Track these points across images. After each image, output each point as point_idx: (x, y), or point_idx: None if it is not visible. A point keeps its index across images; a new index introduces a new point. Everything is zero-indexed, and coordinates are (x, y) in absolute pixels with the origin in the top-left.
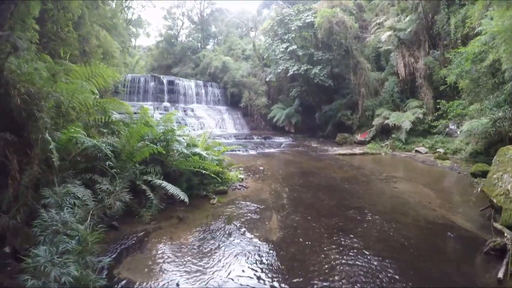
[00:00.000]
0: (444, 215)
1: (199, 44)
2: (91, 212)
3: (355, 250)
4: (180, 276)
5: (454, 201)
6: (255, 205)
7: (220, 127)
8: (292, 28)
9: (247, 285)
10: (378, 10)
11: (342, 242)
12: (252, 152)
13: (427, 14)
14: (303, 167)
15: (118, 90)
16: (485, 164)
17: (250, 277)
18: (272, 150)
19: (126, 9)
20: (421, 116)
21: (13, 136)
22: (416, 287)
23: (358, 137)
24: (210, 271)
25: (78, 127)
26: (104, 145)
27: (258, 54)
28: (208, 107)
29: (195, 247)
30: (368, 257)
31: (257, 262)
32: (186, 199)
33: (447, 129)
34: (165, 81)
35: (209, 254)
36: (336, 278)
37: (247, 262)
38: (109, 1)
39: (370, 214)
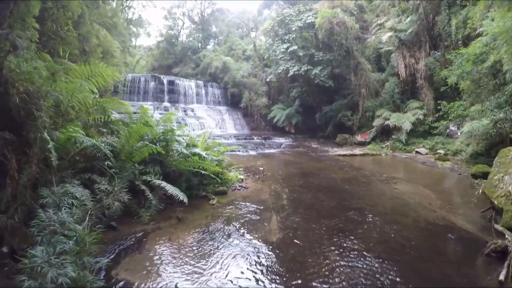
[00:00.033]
0: (444, 217)
1: (199, 44)
2: (89, 212)
3: (355, 252)
4: (179, 277)
5: (455, 203)
6: (255, 206)
7: (220, 128)
8: (293, 29)
9: (246, 287)
10: (379, 11)
11: (342, 244)
12: (252, 152)
13: (428, 15)
14: (303, 167)
15: (118, 89)
16: (486, 165)
17: (249, 279)
18: (272, 150)
19: (126, 8)
20: (421, 117)
21: (12, 135)
22: None
23: (358, 138)
24: (209, 273)
25: (77, 126)
26: (103, 144)
27: (259, 54)
28: (208, 107)
29: (194, 248)
30: (369, 258)
31: (256, 263)
32: (185, 200)
33: (447, 130)
34: (165, 81)
35: (208, 255)
36: (336, 280)
37: (246, 264)
38: (110, 1)
39: (370, 215)
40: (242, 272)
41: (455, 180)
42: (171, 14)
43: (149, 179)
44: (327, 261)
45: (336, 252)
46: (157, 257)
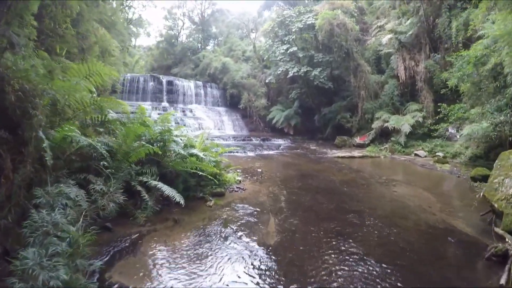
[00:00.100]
0: (444, 219)
1: (199, 45)
2: (84, 213)
3: (354, 256)
4: (174, 281)
5: (454, 205)
6: (253, 208)
7: (219, 128)
8: (293, 30)
9: None
10: (379, 13)
11: (341, 247)
12: (251, 154)
13: (428, 18)
14: (302, 169)
15: (115, 88)
16: (485, 168)
17: (246, 283)
18: (270, 152)
19: (127, 8)
20: (420, 119)
21: (8, 134)
22: None
23: (357, 140)
24: (204, 277)
25: (73, 125)
26: (99, 144)
27: (258, 55)
28: (207, 108)
29: (190, 251)
30: (368, 262)
31: (254, 267)
32: (182, 201)
33: (447, 133)
34: (164, 81)
35: (204, 259)
36: (335, 284)
37: (243, 268)
38: (110, 0)
39: (369, 218)
40: (238, 276)
41: (454, 183)
42: (171, 14)
43: (146, 180)
44: (325, 265)
45: (335, 255)
46: (152, 260)
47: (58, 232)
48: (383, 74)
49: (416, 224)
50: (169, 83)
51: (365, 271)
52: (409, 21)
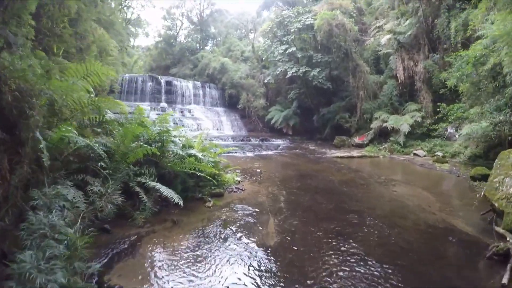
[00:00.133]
0: (444, 219)
1: (198, 45)
2: (81, 214)
3: (354, 256)
4: (173, 283)
5: (454, 205)
6: (252, 209)
7: (217, 129)
8: (292, 30)
9: None
10: (378, 13)
11: (341, 247)
12: (250, 154)
13: (427, 18)
14: (301, 169)
15: (113, 89)
16: (485, 168)
17: (246, 285)
18: (269, 152)
19: (125, 8)
20: (419, 119)
21: (5, 135)
22: None
23: (356, 140)
24: (204, 278)
25: (71, 126)
26: (97, 145)
27: (257, 55)
28: (206, 108)
29: (189, 252)
30: (368, 262)
31: (253, 268)
32: (181, 202)
33: (446, 133)
34: (162, 82)
35: (203, 260)
36: (336, 285)
37: (242, 269)
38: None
39: (369, 217)
40: (238, 278)
41: (453, 182)
42: (170, 14)
43: (144, 181)
44: (326, 265)
45: (335, 256)
46: (151, 262)
47: (55, 235)
48: (382, 74)
49: (416, 224)
50: (168, 83)
51: (366, 271)
52: (408, 22)
